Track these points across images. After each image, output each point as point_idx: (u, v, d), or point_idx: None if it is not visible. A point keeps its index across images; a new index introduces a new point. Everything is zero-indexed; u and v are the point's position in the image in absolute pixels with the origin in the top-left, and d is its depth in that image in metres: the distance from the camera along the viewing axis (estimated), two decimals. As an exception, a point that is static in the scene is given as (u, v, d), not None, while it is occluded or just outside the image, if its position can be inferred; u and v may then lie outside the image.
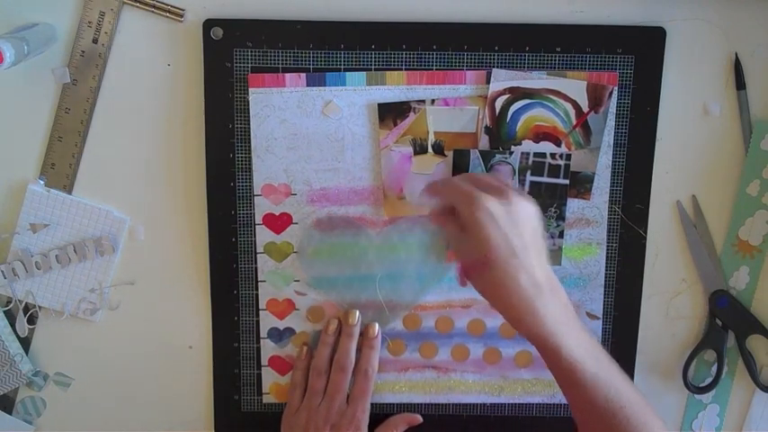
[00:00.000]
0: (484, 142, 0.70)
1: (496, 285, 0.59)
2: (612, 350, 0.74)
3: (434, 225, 0.65)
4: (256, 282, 0.73)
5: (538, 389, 0.75)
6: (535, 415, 0.76)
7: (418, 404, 0.75)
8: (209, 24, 0.67)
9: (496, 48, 0.68)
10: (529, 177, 0.70)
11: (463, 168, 0.70)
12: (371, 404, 0.72)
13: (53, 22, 0.68)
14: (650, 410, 0.59)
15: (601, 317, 0.74)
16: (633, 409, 0.58)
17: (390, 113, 0.69)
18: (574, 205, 0.71)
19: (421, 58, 0.68)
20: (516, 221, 0.58)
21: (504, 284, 0.58)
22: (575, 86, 0.69)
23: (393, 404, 0.76)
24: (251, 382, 0.75)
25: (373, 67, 0.69)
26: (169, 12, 0.68)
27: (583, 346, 0.59)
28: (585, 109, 0.69)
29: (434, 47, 0.68)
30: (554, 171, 0.70)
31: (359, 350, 0.73)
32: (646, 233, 0.72)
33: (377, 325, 0.73)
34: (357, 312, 0.72)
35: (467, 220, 0.59)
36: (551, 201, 0.71)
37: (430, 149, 0.70)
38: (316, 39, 0.68)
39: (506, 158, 0.70)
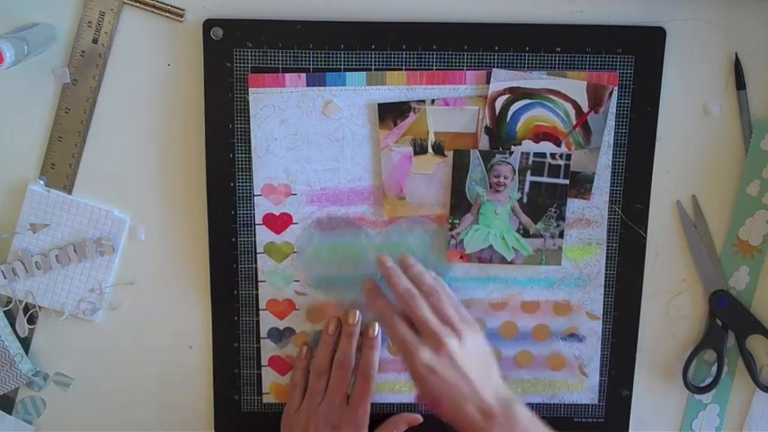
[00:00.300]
0: (484, 142, 0.70)
1: (449, 419, 0.64)
2: (612, 350, 0.74)
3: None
4: (256, 282, 0.73)
5: (538, 389, 0.75)
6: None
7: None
8: (209, 24, 0.67)
9: (496, 48, 0.68)
10: (529, 177, 0.70)
11: (463, 168, 0.70)
12: (372, 404, 0.72)
13: (53, 22, 0.68)
14: None
15: (601, 317, 0.74)
16: None
17: (390, 113, 0.69)
18: (574, 205, 0.71)
19: (421, 58, 0.68)
20: (456, 364, 0.63)
21: (456, 419, 0.63)
22: (575, 86, 0.69)
23: (393, 404, 0.76)
24: (251, 382, 0.75)
25: (373, 67, 0.69)
26: (169, 12, 0.68)
27: None
28: (585, 109, 0.69)
29: (434, 47, 0.68)
30: (554, 171, 0.70)
31: (359, 350, 0.73)
32: (646, 233, 0.72)
33: (377, 325, 0.73)
34: (357, 312, 0.72)
35: (409, 369, 0.64)
36: (551, 201, 0.71)
37: (430, 149, 0.70)
38: (316, 39, 0.68)
39: (506, 158, 0.70)
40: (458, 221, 0.71)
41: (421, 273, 0.68)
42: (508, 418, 0.62)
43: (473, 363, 0.64)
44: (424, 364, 0.63)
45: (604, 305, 0.74)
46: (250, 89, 0.69)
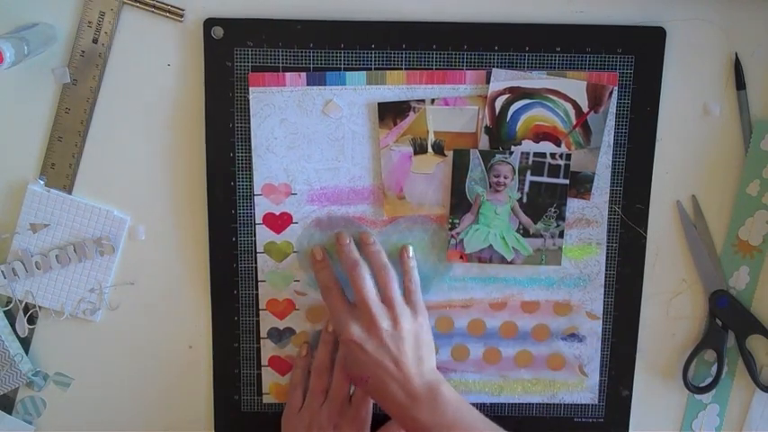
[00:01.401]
0: (484, 142, 0.70)
1: (376, 397, 0.67)
2: (612, 350, 0.74)
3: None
4: (256, 282, 0.73)
5: (538, 389, 0.75)
6: (535, 415, 0.76)
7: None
8: (209, 24, 0.67)
9: (496, 48, 0.68)
10: (529, 177, 0.70)
11: (463, 168, 0.70)
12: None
13: (53, 22, 0.68)
14: None
15: (601, 317, 0.74)
16: None
17: (390, 113, 0.69)
18: (574, 205, 0.71)
19: (421, 57, 0.68)
20: (384, 344, 0.65)
21: (382, 397, 0.66)
22: (575, 86, 0.69)
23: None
24: (251, 382, 0.75)
25: (373, 66, 0.69)
26: (169, 12, 0.68)
27: None
28: (585, 109, 0.69)
29: (434, 47, 0.68)
30: (554, 171, 0.70)
31: None
32: (646, 233, 0.72)
33: None
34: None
35: (341, 341, 0.68)
36: (551, 201, 0.71)
37: (430, 149, 0.70)
38: (316, 38, 0.68)
39: (506, 158, 0.70)
40: (458, 221, 0.71)
41: (378, 251, 0.69)
42: (432, 400, 0.64)
43: (404, 346, 0.65)
44: (352, 338, 0.65)
45: (604, 305, 0.74)
46: (250, 88, 0.69)
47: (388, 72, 0.69)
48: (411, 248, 0.71)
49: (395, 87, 0.69)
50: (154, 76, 0.69)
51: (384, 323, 0.66)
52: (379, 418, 0.73)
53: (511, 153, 0.70)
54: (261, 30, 0.68)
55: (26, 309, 0.73)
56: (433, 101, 0.69)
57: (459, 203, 0.71)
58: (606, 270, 0.73)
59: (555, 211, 0.71)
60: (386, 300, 0.67)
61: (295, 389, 0.73)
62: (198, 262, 0.73)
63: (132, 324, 0.74)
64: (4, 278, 0.71)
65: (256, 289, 0.73)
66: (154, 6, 0.67)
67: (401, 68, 0.69)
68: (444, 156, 0.70)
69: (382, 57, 0.68)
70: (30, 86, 0.69)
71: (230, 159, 0.70)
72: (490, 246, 0.72)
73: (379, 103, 0.69)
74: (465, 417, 0.64)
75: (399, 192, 0.71)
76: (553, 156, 0.70)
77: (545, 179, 0.70)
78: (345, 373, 0.70)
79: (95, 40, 0.68)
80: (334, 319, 0.68)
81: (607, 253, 0.73)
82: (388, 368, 0.64)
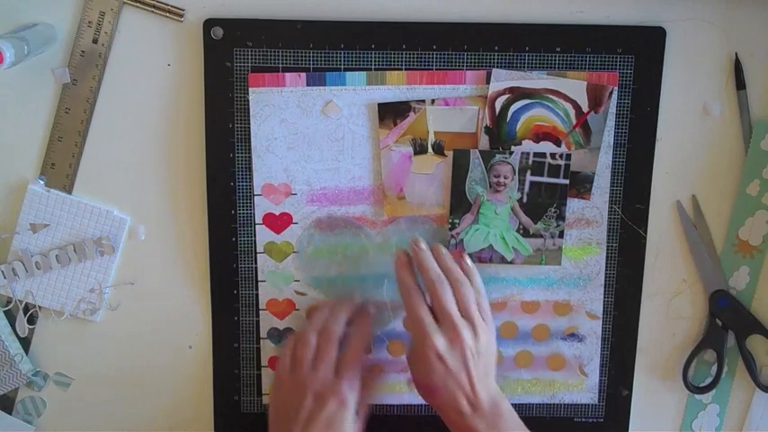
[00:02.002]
0: (484, 142, 0.70)
1: (438, 405, 0.67)
2: (612, 350, 0.74)
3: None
4: (256, 282, 0.73)
5: (538, 389, 0.75)
6: (535, 415, 0.76)
7: (418, 405, 0.75)
8: (209, 24, 0.67)
9: (496, 48, 0.68)
10: (529, 177, 0.70)
11: (463, 168, 0.70)
12: (371, 405, 0.71)
13: (53, 22, 0.68)
14: None
15: (601, 317, 0.74)
16: None
17: (390, 113, 0.69)
18: (574, 205, 0.71)
19: (421, 58, 0.68)
20: (465, 357, 0.65)
21: (445, 407, 0.66)
22: (575, 86, 0.69)
23: (393, 404, 0.75)
24: (251, 382, 0.75)
25: (373, 66, 0.69)
26: (169, 12, 0.68)
27: None
28: (585, 109, 0.69)
29: (434, 47, 0.68)
30: (554, 171, 0.70)
31: (351, 324, 0.70)
32: (646, 233, 0.72)
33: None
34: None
35: (417, 348, 0.66)
36: (551, 201, 0.71)
37: (430, 149, 0.70)
38: (316, 38, 0.68)
39: (506, 158, 0.70)
40: (458, 221, 0.71)
41: (451, 263, 0.69)
42: (493, 413, 0.65)
43: (479, 360, 0.65)
44: (436, 350, 0.64)
45: (604, 305, 0.74)
46: (250, 89, 0.69)
47: (388, 72, 0.69)
48: (422, 241, 0.69)
49: (395, 88, 0.69)
50: (154, 76, 0.69)
51: (467, 336, 0.65)
52: (378, 419, 0.73)
53: (511, 153, 0.70)
54: (261, 30, 0.68)
55: (26, 309, 0.73)
56: (433, 101, 0.69)
57: (459, 203, 0.71)
58: (606, 270, 0.73)
59: (555, 211, 0.71)
60: (464, 314, 0.66)
61: (285, 357, 0.69)
62: (198, 262, 0.73)
63: (132, 324, 0.74)
64: (4, 278, 0.71)
65: (256, 289, 0.73)
66: (154, 6, 0.67)
67: (401, 69, 0.69)
68: (444, 156, 0.70)
69: (382, 57, 0.68)
70: (30, 86, 0.69)
71: (230, 159, 0.70)
72: (490, 246, 0.72)
73: (379, 104, 0.69)
74: None
75: (399, 192, 0.71)
76: (553, 156, 0.70)
77: (545, 179, 0.70)
78: (352, 352, 0.68)
79: (95, 40, 0.68)
80: (416, 330, 0.66)
81: (607, 253, 0.73)
82: (461, 381, 0.65)
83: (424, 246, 0.69)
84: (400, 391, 0.75)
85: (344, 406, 0.65)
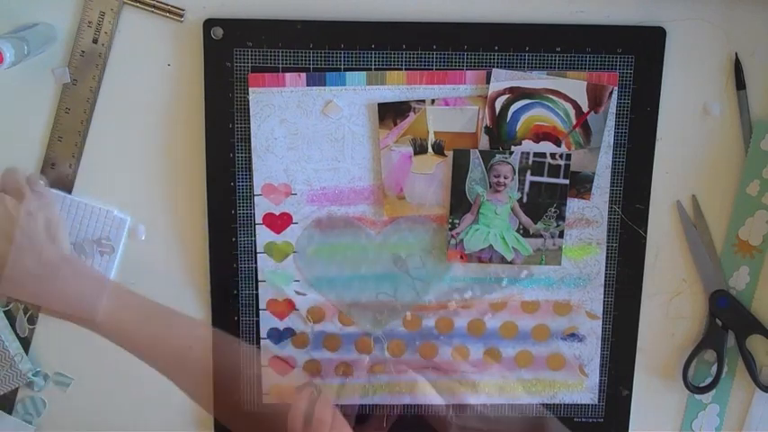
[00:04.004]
0: (484, 142, 0.70)
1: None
2: (612, 350, 0.74)
3: None
4: (256, 282, 0.73)
5: (538, 389, 0.75)
6: (535, 415, 0.76)
7: (418, 405, 0.75)
8: (209, 24, 0.67)
9: (496, 48, 0.68)
10: (529, 177, 0.70)
11: (463, 168, 0.70)
12: (371, 405, 0.72)
13: (53, 22, 0.68)
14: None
15: (601, 317, 0.74)
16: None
17: (390, 113, 0.69)
18: (574, 205, 0.71)
19: (421, 58, 0.68)
20: None
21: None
22: (575, 86, 0.69)
23: (393, 404, 0.75)
24: (251, 382, 0.75)
25: (373, 66, 0.69)
26: (169, 12, 0.68)
27: None
28: (585, 109, 0.69)
29: (434, 47, 0.68)
30: (554, 171, 0.70)
31: None
32: (646, 233, 0.72)
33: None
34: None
35: None
36: (551, 201, 0.71)
37: (430, 149, 0.70)
38: (316, 39, 0.68)
39: (506, 158, 0.70)
40: (458, 221, 0.71)
41: None
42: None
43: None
44: None
45: (604, 305, 0.74)
46: (250, 89, 0.69)
47: (388, 72, 0.69)
48: None
49: (395, 88, 0.69)
50: (154, 77, 0.69)
51: None
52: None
53: (511, 153, 0.70)
54: (260, 30, 0.68)
55: (26, 309, 0.73)
56: (433, 101, 0.69)
57: (459, 203, 0.71)
58: (606, 270, 0.73)
59: (555, 211, 0.71)
60: None
61: None
62: (198, 262, 0.73)
63: (132, 324, 0.74)
64: (4, 278, 0.71)
65: (256, 289, 0.73)
66: (154, 6, 0.67)
67: (401, 69, 0.69)
68: (444, 156, 0.70)
69: (382, 57, 0.68)
70: (30, 86, 0.69)
71: (230, 159, 0.70)
72: (490, 246, 0.72)
73: (379, 104, 0.69)
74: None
75: (399, 192, 0.71)
76: (553, 156, 0.70)
77: (545, 179, 0.70)
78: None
79: (95, 40, 0.68)
80: None
81: (607, 253, 0.73)
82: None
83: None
84: (400, 392, 0.75)
85: None
